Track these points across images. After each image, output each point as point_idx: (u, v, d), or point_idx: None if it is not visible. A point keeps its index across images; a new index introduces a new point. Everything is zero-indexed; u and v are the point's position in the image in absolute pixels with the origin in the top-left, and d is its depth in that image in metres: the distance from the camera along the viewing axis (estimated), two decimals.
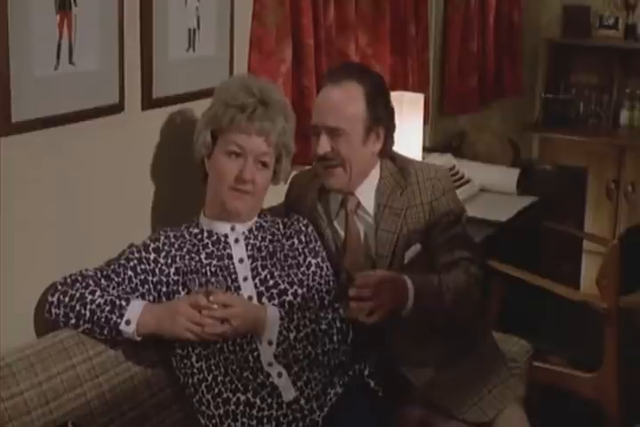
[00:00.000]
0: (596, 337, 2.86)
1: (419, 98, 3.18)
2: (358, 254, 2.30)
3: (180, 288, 2.11)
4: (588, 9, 4.89)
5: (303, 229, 2.27)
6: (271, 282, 2.14)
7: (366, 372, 2.18)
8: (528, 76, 4.73)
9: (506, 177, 3.55)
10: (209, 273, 2.12)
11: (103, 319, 1.98)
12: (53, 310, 2.01)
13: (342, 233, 2.32)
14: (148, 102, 2.29)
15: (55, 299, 2.01)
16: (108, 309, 1.99)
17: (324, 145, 2.22)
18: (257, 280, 2.14)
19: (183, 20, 2.35)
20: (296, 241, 2.24)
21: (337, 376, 2.12)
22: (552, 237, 3.65)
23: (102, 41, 2.10)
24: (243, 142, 2.13)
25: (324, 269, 2.23)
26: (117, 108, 2.19)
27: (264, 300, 2.12)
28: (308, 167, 2.56)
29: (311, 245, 2.25)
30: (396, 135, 2.37)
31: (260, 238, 2.21)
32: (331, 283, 2.23)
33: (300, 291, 2.15)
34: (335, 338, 2.13)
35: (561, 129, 4.87)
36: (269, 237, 2.22)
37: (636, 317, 3.01)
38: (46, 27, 1.95)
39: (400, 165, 2.31)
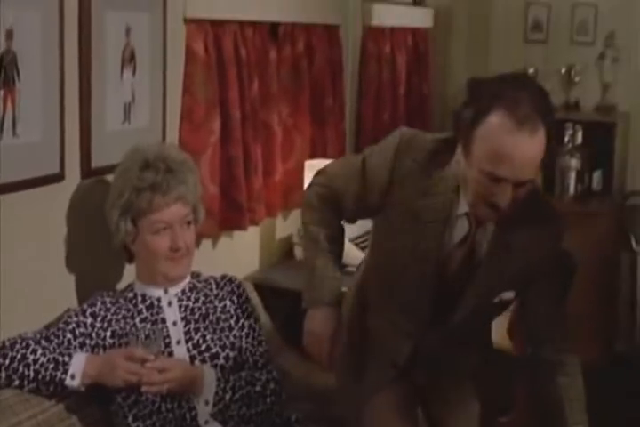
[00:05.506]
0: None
1: None
2: None
3: None
4: None
5: (236, 289, 2.31)
6: (203, 346, 2.17)
7: (293, 418, 2.24)
8: None
9: None
10: (143, 337, 2.11)
11: (48, 377, 2.00)
12: None
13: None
14: (87, 172, 2.35)
15: None
16: (51, 366, 2.00)
17: (508, 195, 1.78)
18: (190, 344, 2.17)
19: (119, 94, 2.43)
20: (228, 303, 2.27)
21: None
22: None
23: (44, 114, 2.17)
24: (166, 217, 2.16)
25: (256, 329, 2.27)
26: (58, 178, 2.25)
27: (197, 363, 2.15)
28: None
29: (244, 306, 2.29)
30: None
31: (192, 300, 2.24)
32: (263, 344, 2.26)
33: (231, 354, 2.18)
34: (269, 400, 2.18)
35: None
36: (202, 298, 2.25)
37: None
38: None
39: None
